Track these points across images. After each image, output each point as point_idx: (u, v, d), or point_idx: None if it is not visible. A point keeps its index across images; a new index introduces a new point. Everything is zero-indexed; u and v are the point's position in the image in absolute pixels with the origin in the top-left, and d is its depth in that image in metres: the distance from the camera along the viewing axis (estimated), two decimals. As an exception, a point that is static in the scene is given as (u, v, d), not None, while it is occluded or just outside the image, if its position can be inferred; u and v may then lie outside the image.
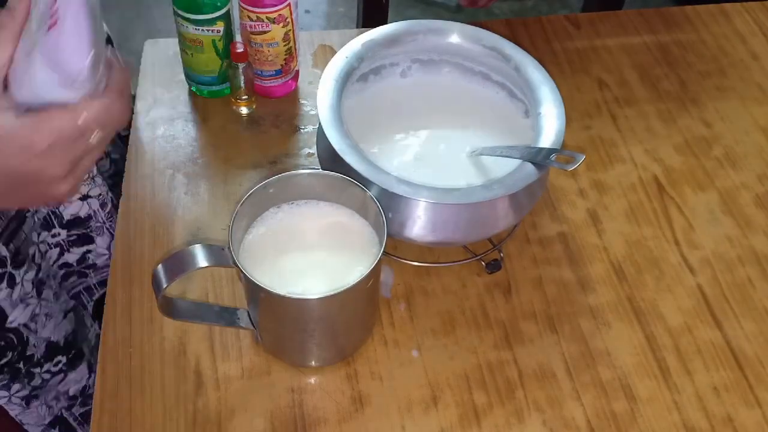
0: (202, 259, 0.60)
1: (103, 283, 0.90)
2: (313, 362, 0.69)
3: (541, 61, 0.77)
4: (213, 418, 0.66)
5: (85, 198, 0.81)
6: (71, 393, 0.87)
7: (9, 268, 0.74)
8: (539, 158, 0.67)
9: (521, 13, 2.34)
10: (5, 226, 0.73)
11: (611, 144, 0.89)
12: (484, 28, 0.80)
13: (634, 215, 0.82)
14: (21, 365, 0.78)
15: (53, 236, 0.81)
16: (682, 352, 0.72)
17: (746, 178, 0.86)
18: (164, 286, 0.60)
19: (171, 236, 0.78)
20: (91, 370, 0.87)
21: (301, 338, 0.66)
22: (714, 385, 0.70)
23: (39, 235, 0.79)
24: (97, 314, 0.91)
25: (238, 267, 0.60)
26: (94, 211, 0.83)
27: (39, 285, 0.78)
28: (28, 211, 0.76)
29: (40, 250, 0.80)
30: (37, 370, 0.81)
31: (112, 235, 0.88)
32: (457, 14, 2.26)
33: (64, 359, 0.83)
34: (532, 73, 0.76)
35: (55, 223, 0.81)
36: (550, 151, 0.67)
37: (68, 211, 0.80)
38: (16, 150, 0.48)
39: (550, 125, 0.71)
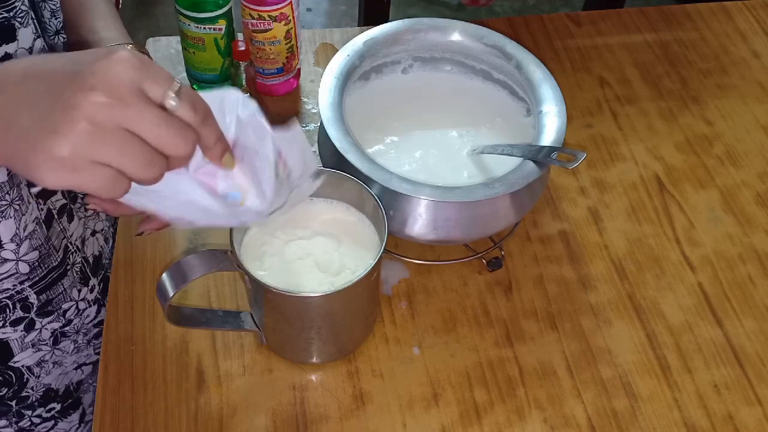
0: (206, 266, 0.60)
1: None
2: (315, 359, 0.69)
3: (543, 59, 0.77)
4: (215, 416, 0.66)
5: (94, 233, 0.80)
6: None
7: (32, 315, 0.72)
8: (540, 156, 0.67)
9: (523, 11, 2.34)
10: (44, 276, 0.71)
11: (612, 142, 0.89)
12: (485, 26, 0.80)
13: (635, 213, 0.82)
14: (13, 404, 0.77)
15: (91, 290, 0.79)
16: (682, 350, 0.72)
17: (747, 176, 0.86)
18: (170, 295, 0.60)
19: (173, 234, 0.78)
20: (82, 420, 0.84)
21: (306, 336, 0.66)
22: (714, 383, 0.70)
23: (80, 291, 0.77)
24: None
25: (244, 270, 0.60)
26: (102, 247, 0.82)
27: (59, 336, 0.76)
28: (68, 262, 0.74)
29: (78, 308, 0.77)
30: (29, 412, 0.79)
31: None
32: (458, 12, 2.26)
33: (58, 407, 0.81)
34: (534, 71, 0.76)
35: (89, 271, 0.78)
36: (551, 149, 0.67)
37: (89, 251, 0.79)
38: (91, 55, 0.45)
39: (551, 123, 0.71)
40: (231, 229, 0.62)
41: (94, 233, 0.80)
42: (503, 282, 0.76)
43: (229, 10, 0.84)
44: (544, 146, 0.69)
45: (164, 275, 0.60)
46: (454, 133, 0.78)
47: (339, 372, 0.69)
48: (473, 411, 0.68)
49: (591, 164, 0.86)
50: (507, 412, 0.68)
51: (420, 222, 0.68)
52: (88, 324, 0.80)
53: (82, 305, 0.78)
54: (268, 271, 0.63)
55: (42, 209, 0.69)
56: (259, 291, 0.62)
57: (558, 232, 0.80)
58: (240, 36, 0.88)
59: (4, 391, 0.75)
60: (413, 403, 0.68)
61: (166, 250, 0.77)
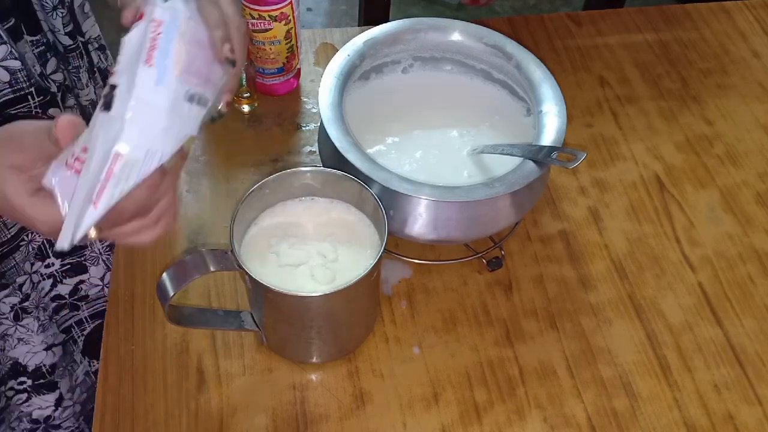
0: (206, 265, 0.60)
1: (95, 316, 0.88)
2: (315, 359, 0.69)
3: (543, 59, 0.77)
4: (215, 415, 0.66)
5: None
6: (35, 416, 0.85)
7: None
8: (540, 156, 0.67)
9: (523, 11, 2.34)
10: None
11: (612, 142, 0.89)
12: (485, 26, 0.80)
13: (635, 213, 0.82)
14: None
15: (47, 266, 0.79)
16: (682, 350, 0.72)
17: (747, 176, 0.86)
18: (171, 295, 0.60)
19: (173, 234, 0.78)
20: (59, 405, 0.85)
21: (306, 336, 0.66)
22: (714, 383, 0.70)
23: (33, 265, 0.78)
24: (87, 351, 0.89)
25: (244, 270, 0.60)
26: (91, 241, 0.82)
27: (20, 311, 0.77)
28: (23, 240, 0.75)
29: (32, 281, 0.78)
30: (1, 388, 0.79)
31: (108, 267, 0.85)
32: (458, 12, 2.26)
33: (29, 382, 0.81)
34: (534, 71, 0.76)
35: (50, 252, 0.79)
36: (552, 148, 0.67)
37: None
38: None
39: (551, 123, 0.71)
40: (231, 229, 0.62)
41: None
42: (503, 282, 0.76)
43: (230, 9, 0.84)
44: (544, 146, 0.69)
45: (164, 275, 0.60)
46: (455, 132, 0.78)
47: (339, 372, 0.69)
48: (473, 410, 0.68)
49: (591, 164, 0.86)
50: (507, 412, 0.68)
51: (420, 222, 0.68)
52: (45, 298, 0.80)
53: (35, 278, 0.78)
54: (269, 271, 0.63)
55: None
56: (259, 291, 0.62)
57: (558, 232, 0.80)
58: (240, 36, 0.87)
59: None
60: (413, 402, 0.68)
61: (166, 250, 0.77)
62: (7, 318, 0.76)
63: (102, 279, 0.86)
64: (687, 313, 0.75)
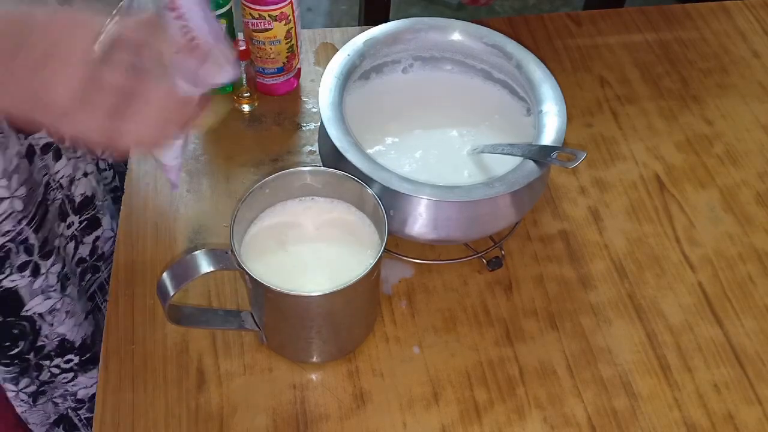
0: (206, 265, 0.60)
1: None
2: (315, 359, 0.69)
3: (543, 59, 0.77)
4: (215, 415, 0.66)
5: (86, 175, 0.80)
6: (79, 396, 0.85)
7: (35, 257, 0.73)
8: (540, 156, 0.67)
9: (523, 11, 2.34)
10: (35, 212, 0.71)
11: (612, 141, 0.89)
12: (485, 26, 0.80)
13: (635, 213, 0.82)
14: (31, 356, 0.77)
15: (68, 227, 0.79)
16: (682, 350, 0.72)
17: (747, 176, 0.86)
18: (171, 294, 0.60)
19: (173, 233, 0.78)
20: None
21: (306, 335, 0.66)
22: (714, 383, 0.70)
23: (59, 226, 0.78)
24: None
25: (244, 269, 0.60)
26: (94, 188, 0.82)
27: (64, 280, 0.77)
28: (48, 200, 0.74)
29: (59, 243, 0.78)
30: (47, 363, 0.79)
31: (111, 216, 0.87)
32: (458, 12, 2.26)
33: (76, 359, 0.81)
34: (534, 70, 0.76)
35: (69, 209, 0.79)
36: (552, 148, 0.67)
37: (78, 191, 0.79)
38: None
39: (551, 123, 0.71)
40: (231, 229, 0.62)
41: (86, 174, 0.80)
42: (503, 281, 0.76)
43: (230, 9, 0.84)
44: (545, 146, 0.69)
45: (164, 275, 0.60)
46: (455, 132, 0.78)
47: (339, 371, 0.69)
48: (473, 410, 0.68)
49: (591, 164, 0.87)
50: (507, 412, 0.68)
51: (420, 221, 0.68)
52: (72, 262, 0.80)
53: (62, 241, 0.78)
54: (269, 271, 0.63)
55: (23, 144, 0.70)
56: (259, 290, 0.62)
57: (558, 232, 0.80)
58: (240, 35, 0.88)
59: (21, 346, 0.75)
60: (413, 402, 0.68)
61: (166, 250, 0.77)
62: (55, 290, 0.76)
63: (111, 229, 0.87)
64: (687, 313, 0.75)
